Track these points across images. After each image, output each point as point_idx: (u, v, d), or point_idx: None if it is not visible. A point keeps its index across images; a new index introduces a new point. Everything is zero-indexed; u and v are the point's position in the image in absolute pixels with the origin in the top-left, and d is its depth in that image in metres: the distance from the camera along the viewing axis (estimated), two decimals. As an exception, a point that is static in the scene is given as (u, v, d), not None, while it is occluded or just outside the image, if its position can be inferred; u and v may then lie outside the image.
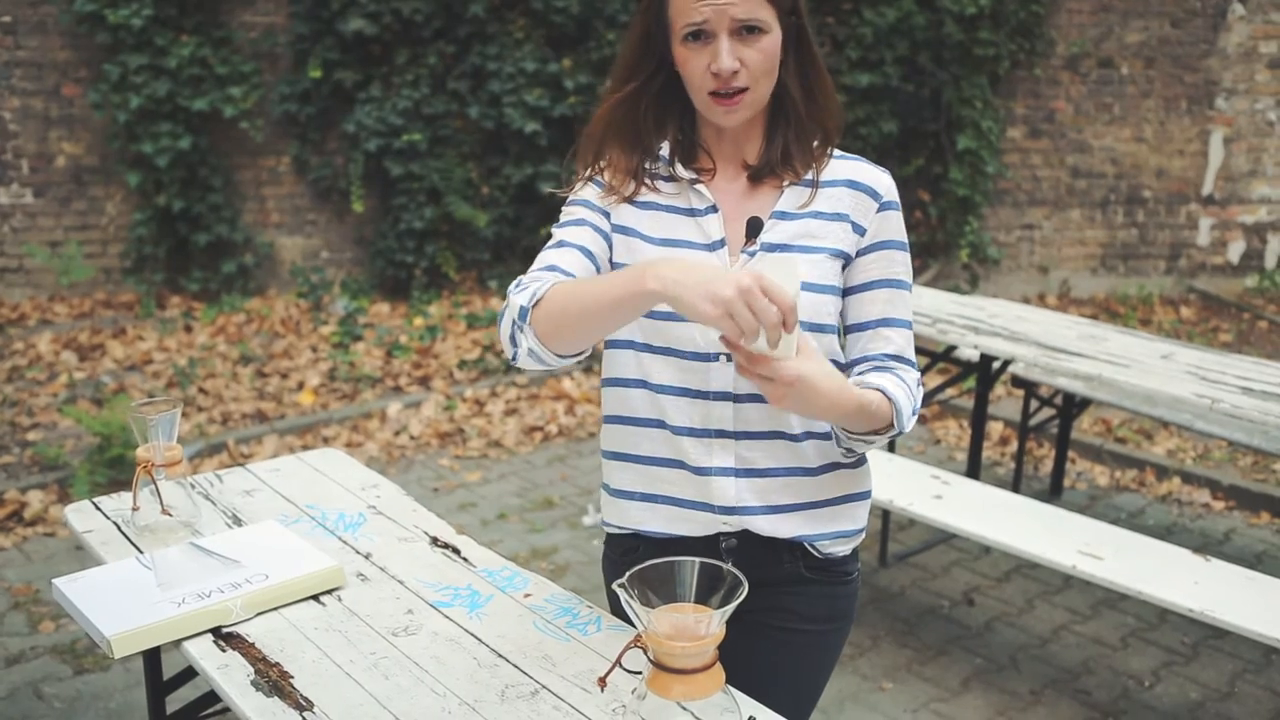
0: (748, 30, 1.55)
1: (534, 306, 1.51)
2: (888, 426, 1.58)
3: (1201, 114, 7.51)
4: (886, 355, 1.65)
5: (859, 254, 1.65)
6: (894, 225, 1.67)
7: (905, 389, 1.61)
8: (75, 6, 6.39)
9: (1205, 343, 6.47)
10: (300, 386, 5.63)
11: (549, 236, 1.71)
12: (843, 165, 1.68)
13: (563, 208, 1.73)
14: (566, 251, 1.64)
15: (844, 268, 1.66)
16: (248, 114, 6.74)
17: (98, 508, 2.18)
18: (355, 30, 6.56)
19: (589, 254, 1.65)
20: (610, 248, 1.69)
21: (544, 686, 1.59)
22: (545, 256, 1.64)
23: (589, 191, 1.71)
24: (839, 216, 1.65)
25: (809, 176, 1.65)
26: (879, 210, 1.66)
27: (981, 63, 7.04)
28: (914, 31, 6.86)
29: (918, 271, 7.31)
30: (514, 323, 1.53)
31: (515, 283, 1.58)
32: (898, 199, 1.68)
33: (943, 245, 7.39)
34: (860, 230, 1.65)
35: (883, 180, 1.68)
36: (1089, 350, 3.62)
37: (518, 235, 7.13)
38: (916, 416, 1.63)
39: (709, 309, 1.32)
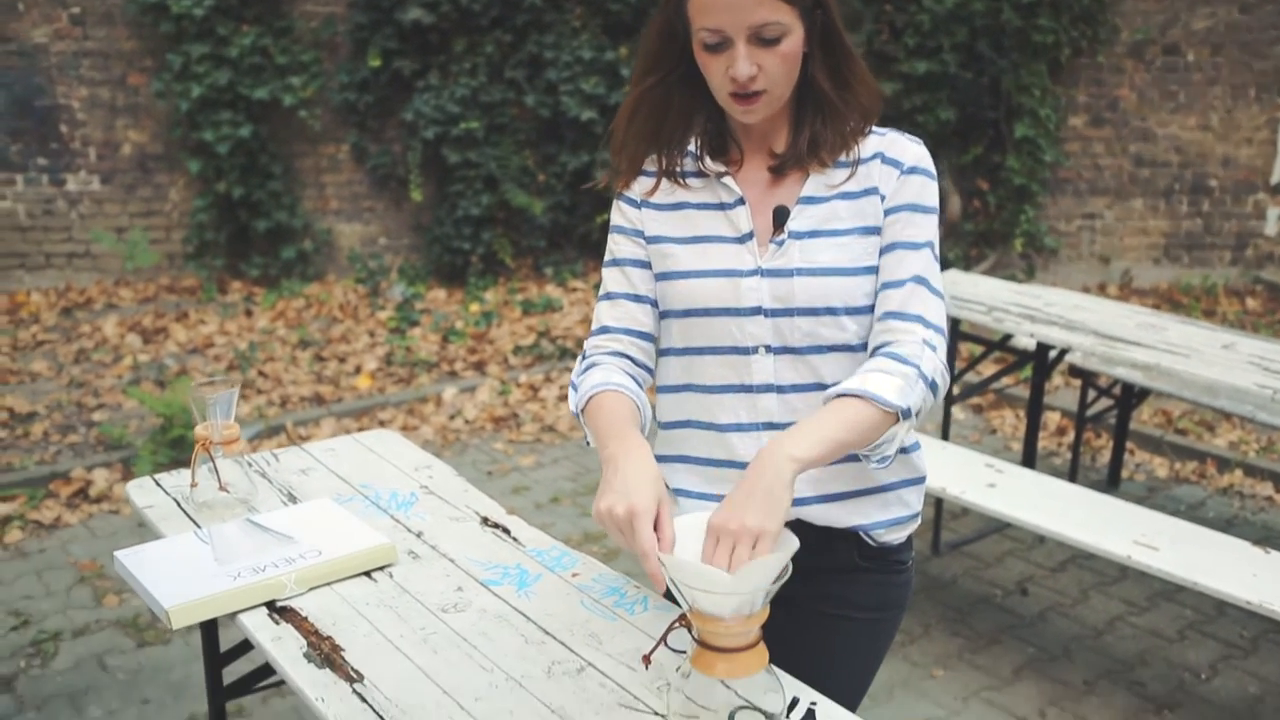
0: (765, 37, 1.51)
1: (582, 411, 1.67)
2: (890, 419, 1.50)
3: (1270, 101, 7.35)
4: (886, 314, 1.59)
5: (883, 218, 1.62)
6: (914, 189, 1.62)
7: (888, 368, 1.52)
8: (141, -3, 6.52)
9: (1271, 334, 6.34)
10: (357, 370, 5.70)
11: (605, 224, 1.75)
12: (874, 140, 1.64)
13: (609, 236, 1.77)
14: (614, 305, 1.74)
15: None
16: (306, 103, 6.83)
17: (158, 484, 2.23)
18: (414, 19, 6.62)
19: (633, 297, 1.73)
20: (651, 268, 1.72)
21: (590, 664, 1.60)
22: (599, 313, 1.76)
23: (621, 214, 1.74)
24: (869, 192, 1.62)
25: (844, 158, 1.62)
26: (900, 176, 1.61)
27: (1041, 50, 6.95)
28: (973, 18, 6.79)
29: (975, 260, 7.24)
30: (576, 418, 1.70)
31: (581, 354, 1.74)
32: (927, 166, 1.63)
33: (1000, 234, 7.31)
34: (884, 198, 1.62)
35: (910, 149, 1.63)
36: (1148, 340, 3.57)
37: (574, 223, 7.16)
38: (933, 382, 1.54)
39: (595, 511, 1.45)
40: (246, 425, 4.91)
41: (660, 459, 1.80)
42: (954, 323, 4.07)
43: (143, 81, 6.88)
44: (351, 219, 7.32)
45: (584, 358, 1.73)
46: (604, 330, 1.73)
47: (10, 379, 5.55)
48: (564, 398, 5.48)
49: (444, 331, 6.25)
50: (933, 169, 1.64)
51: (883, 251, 1.61)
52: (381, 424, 5.10)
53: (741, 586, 1.33)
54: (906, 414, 1.50)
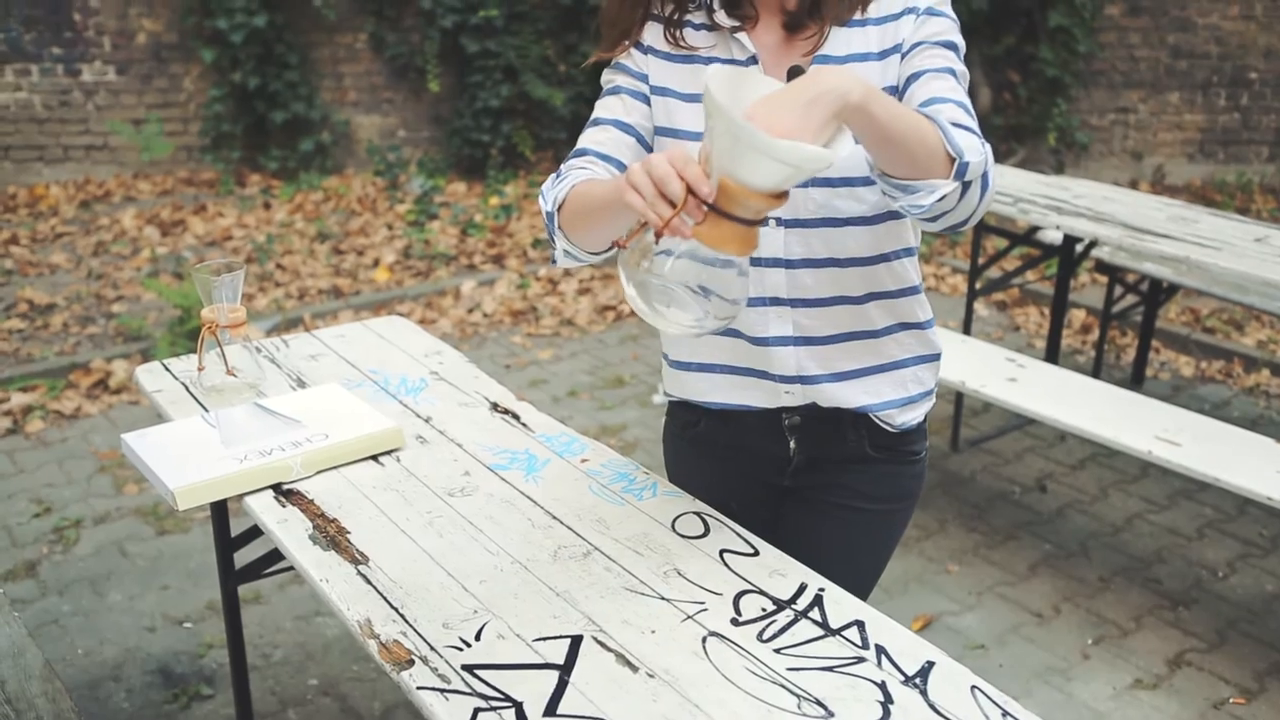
0: None
1: (558, 210, 1.50)
2: (945, 162, 1.33)
3: (1316, -10, 7.10)
4: None
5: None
6: (932, 27, 1.49)
7: (960, 121, 1.39)
8: (151, -122, 6.36)
9: (1305, 232, 6.20)
10: (376, 264, 5.66)
11: None
12: None
13: (604, 73, 1.65)
14: (601, 130, 1.60)
15: None
16: (323, -10, 6.69)
17: (167, 369, 2.21)
18: (430, -98, 6.44)
19: (624, 126, 1.59)
20: (651, 110, 1.60)
21: (596, 548, 1.59)
22: (583, 138, 1.61)
23: (628, 55, 1.62)
24: (891, 50, 1.50)
25: (857, 17, 1.51)
26: (917, 18, 1.49)
27: (1080, -66, 6.71)
28: (1009, -99, 6.55)
29: (1003, 156, 7.09)
30: (547, 227, 1.54)
31: (554, 174, 1.55)
32: (944, 9, 1.50)
33: (1030, 129, 7.14)
34: (901, 49, 1.50)
35: None
36: (1178, 232, 3.48)
37: (594, 115, 7.03)
38: (986, 175, 1.36)
39: (626, 195, 1.25)
40: (264, 317, 4.90)
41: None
42: (979, 216, 3.98)
43: (155, -33, 6.75)
44: (370, 110, 7.22)
45: (558, 176, 1.56)
46: (582, 153, 1.58)
47: (30, 271, 5.55)
48: (584, 292, 5.43)
49: (463, 225, 6.20)
50: (951, 13, 1.51)
51: (902, 90, 1.49)
52: (400, 316, 5.08)
53: (794, 156, 1.20)
54: (960, 171, 1.33)
